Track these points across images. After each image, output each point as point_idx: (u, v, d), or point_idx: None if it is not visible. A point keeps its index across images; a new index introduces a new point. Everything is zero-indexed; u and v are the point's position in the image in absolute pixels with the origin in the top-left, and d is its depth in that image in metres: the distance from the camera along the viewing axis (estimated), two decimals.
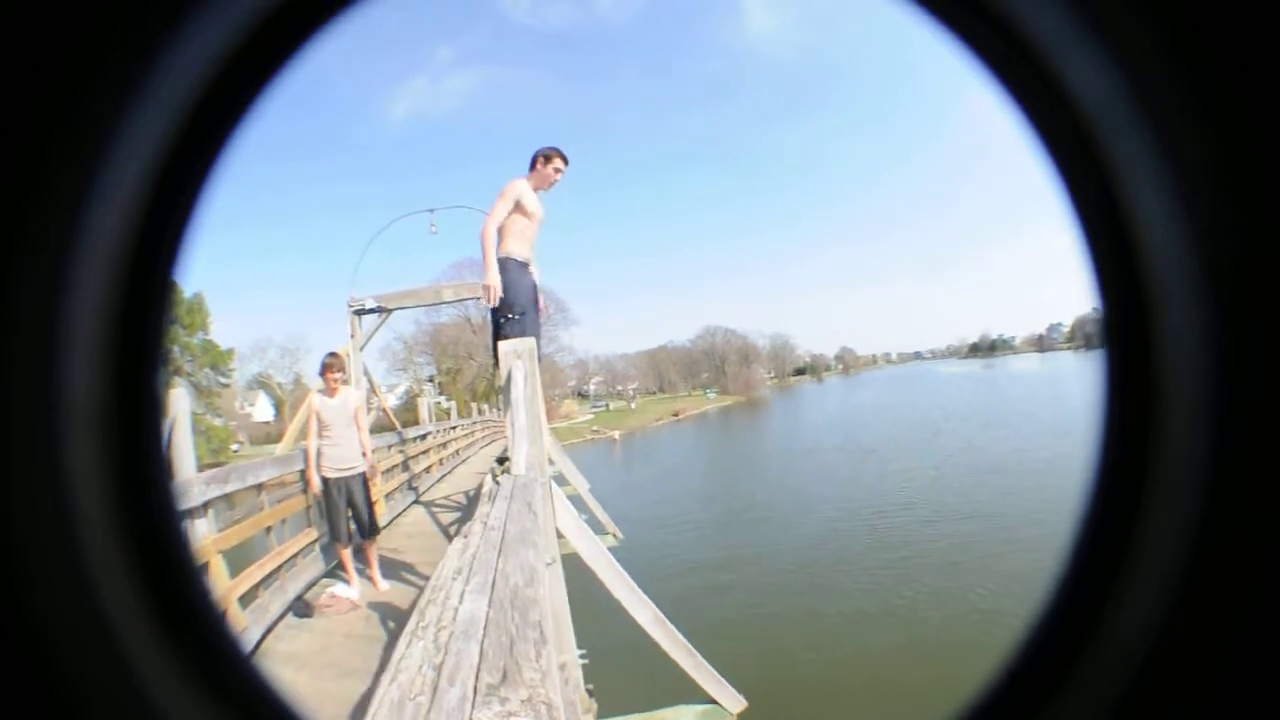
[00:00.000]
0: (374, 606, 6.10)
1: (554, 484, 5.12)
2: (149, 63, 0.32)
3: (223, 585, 4.85)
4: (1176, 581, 0.34)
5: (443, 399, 22.68)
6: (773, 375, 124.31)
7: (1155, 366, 0.35)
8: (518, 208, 5.46)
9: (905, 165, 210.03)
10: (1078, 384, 59.88)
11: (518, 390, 4.38)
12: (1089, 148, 0.35)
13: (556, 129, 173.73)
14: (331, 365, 6.29)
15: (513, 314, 5.35)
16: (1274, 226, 0.31)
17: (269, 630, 5.37)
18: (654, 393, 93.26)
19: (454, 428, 18.64)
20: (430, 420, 16.57)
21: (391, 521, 9.59)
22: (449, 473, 14.57)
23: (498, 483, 4.61)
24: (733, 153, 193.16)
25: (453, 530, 8.49)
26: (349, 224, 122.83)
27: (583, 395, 77.69)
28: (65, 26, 0.30)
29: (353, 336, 11.85)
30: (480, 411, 31.26)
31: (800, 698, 12.14)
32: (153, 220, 0.34)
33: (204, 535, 4.86)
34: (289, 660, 5.04)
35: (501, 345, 4.55)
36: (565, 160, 5.65)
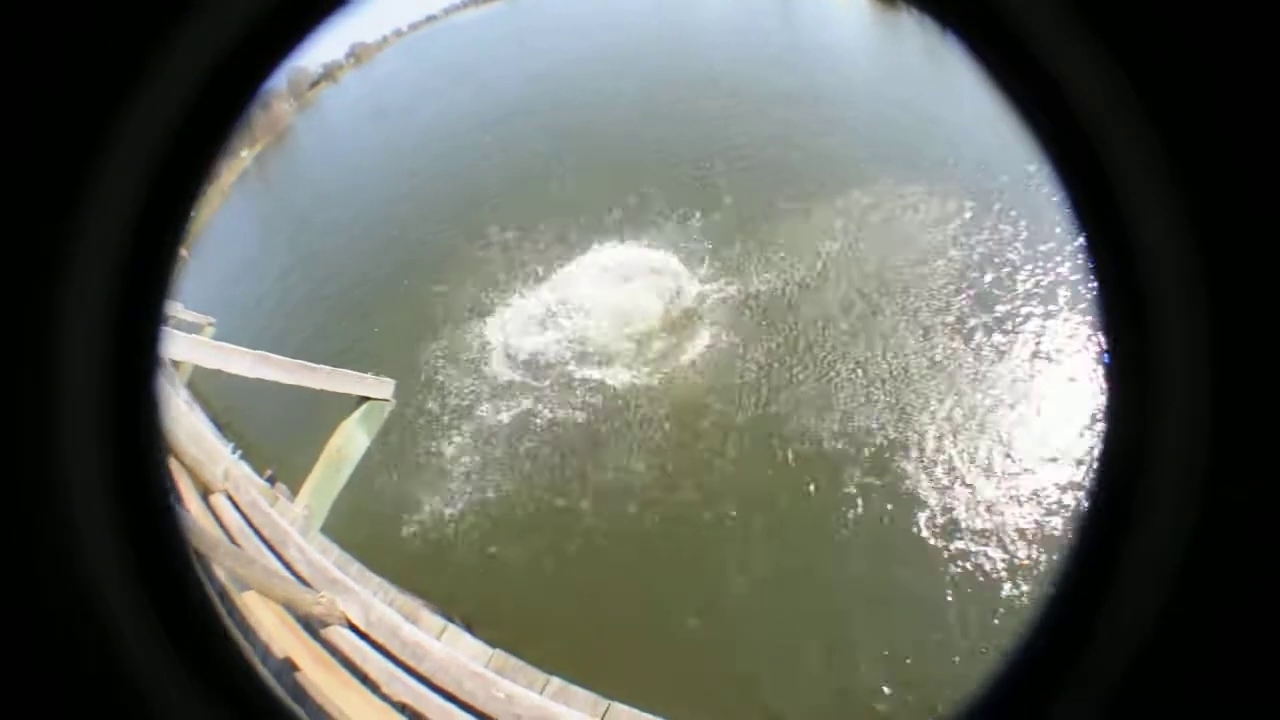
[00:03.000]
0: None
1: None
2: (139, 70, 0.33)
3: None
4: (1172, 579, 0.36)
5: None
6: (294, 103, 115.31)
7: (1155, 362, 0.36)
8: None
9: None
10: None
11: None
12: (1090, 147, 0.36)
13: None
14: None
15: None
16: (1272, 223, 0.31)
17: None
18: None
19: None
20: None
21: None
22: None
23: None
24: None
25: None
26: None
27: None
28: (62, 23, 0.30)
29: None
30: None
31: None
32: (149, 221, 0.35)
33: None
34: None
35: None
36: None
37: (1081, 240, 0.39)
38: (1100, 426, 0.39)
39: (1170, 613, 0.37)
